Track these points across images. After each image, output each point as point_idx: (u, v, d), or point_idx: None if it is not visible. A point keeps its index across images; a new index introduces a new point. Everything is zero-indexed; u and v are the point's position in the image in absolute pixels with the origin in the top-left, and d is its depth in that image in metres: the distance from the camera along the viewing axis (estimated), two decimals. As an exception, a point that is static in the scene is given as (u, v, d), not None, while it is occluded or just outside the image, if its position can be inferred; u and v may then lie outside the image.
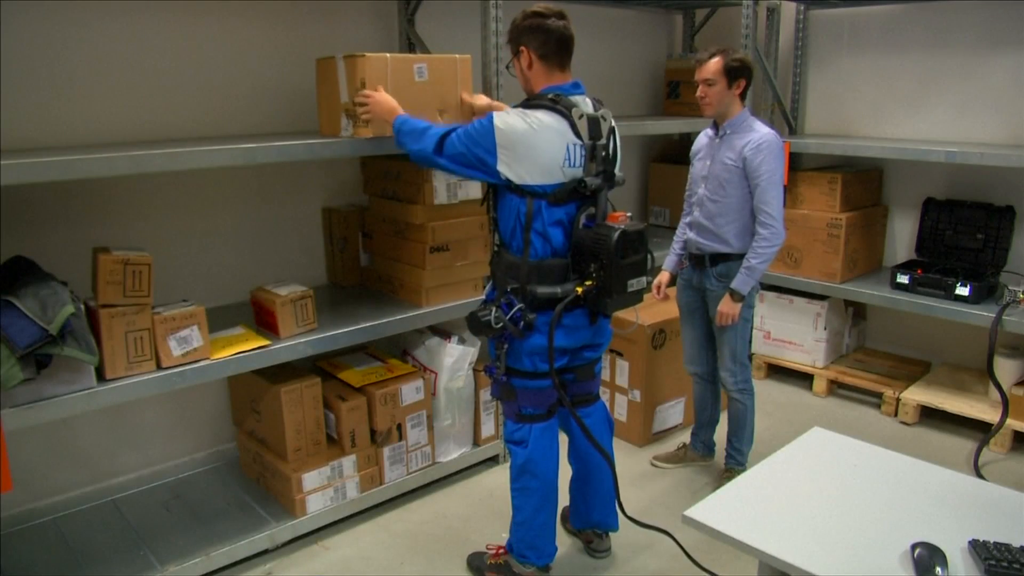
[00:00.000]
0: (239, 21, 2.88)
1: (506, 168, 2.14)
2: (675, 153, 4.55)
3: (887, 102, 4.03)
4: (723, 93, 2.74)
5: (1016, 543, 1.53)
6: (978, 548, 1.52)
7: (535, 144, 2.12)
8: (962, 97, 3.78)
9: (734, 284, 2.77)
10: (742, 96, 2.78)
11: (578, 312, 2.27)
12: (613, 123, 2.29)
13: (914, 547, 1.53)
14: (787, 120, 4.24)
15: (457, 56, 2.74)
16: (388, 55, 2.58)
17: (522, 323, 2.19)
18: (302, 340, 2.58)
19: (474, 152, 2.16)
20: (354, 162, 3.28)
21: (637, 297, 2.28)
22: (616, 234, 2.13)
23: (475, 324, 2.22)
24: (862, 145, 3.74)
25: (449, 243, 2.92)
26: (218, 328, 2.57)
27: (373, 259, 3.20)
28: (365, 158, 3.19)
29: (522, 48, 2.23)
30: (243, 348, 2.45)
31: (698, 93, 2.79)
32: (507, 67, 2.37)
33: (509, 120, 2.13)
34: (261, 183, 3.06)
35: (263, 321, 2.65)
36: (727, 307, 2.80)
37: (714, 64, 2.72)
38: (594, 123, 2.20)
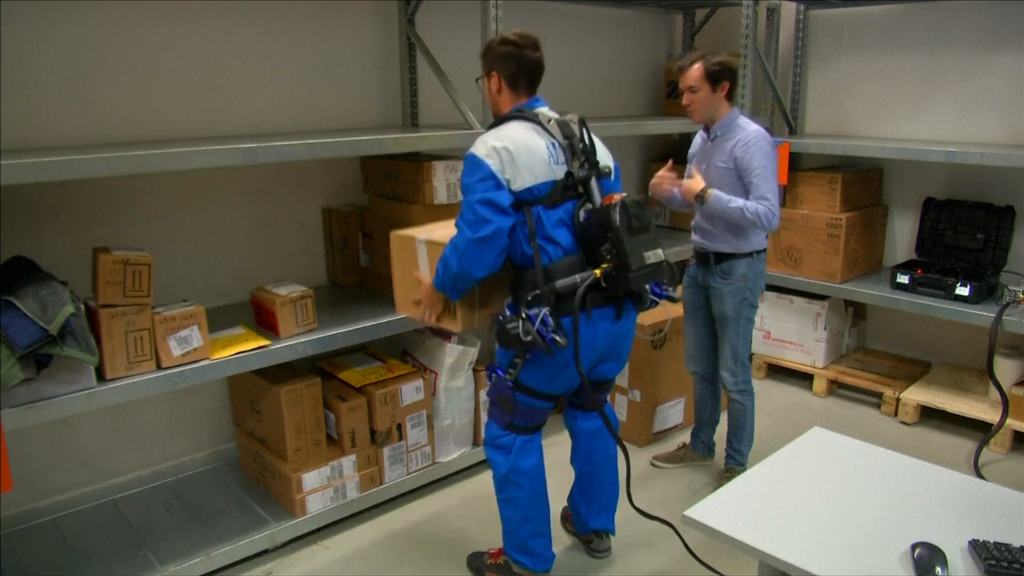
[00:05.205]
0: (238, 20, 2.88)
1: (507, 180, 2.11)
2: (675, 153, 4.54)
3: (887, 102, 4.03)
4: (708, 98, 2.74)
5: (1016, 543, 1.53)
6: (978, 548, 1.53)
7: (520, 149, 2.13)
8: (962, 97, 3.78)
9: (711, 190, 2.71)
10: (729, 97, 2.78)
11: (605, 310, 2.22)
12: (580, 119, 2.29)
13: (914, 547, 1.53)
14: (787, 120, 4.23)
15: None
16: None
17: (550, 336, 2.08)
18: (302, 340, 2.58)
19: (488, 191, 2.08)
20: (354, 162, 3.28)
21: (658, 269, 2.20)
22: (616, 208, 2.13)
23: (504, 336, 2.13)
24: (862, 145, 3.74)
25: (449, 243, 2.91)
26: (218, 328, 2.57)
27: (373, 259, 3.20)
28: (365, 158, 3.18)
29: (493, 72, 2.27)
30: (243, 348, 2.46)
31: (683, 101, 2.79)
32: (476, 81, 2.38)
33: (486, 143, 2.14)
34: (261, 183, 3.06)
35: (263, 321, 2.65)
36: (689, 185, 2.77)
37: (695, 71, 2.72)
38: (563, 124, 2.24)
